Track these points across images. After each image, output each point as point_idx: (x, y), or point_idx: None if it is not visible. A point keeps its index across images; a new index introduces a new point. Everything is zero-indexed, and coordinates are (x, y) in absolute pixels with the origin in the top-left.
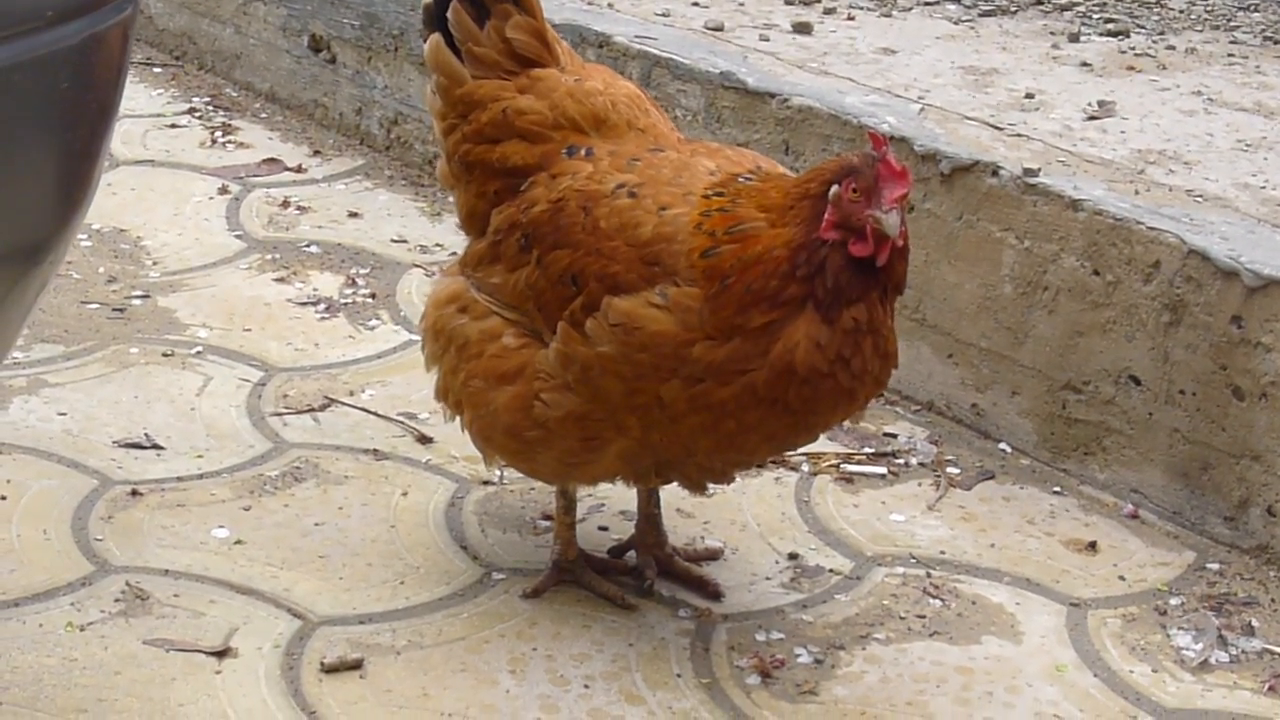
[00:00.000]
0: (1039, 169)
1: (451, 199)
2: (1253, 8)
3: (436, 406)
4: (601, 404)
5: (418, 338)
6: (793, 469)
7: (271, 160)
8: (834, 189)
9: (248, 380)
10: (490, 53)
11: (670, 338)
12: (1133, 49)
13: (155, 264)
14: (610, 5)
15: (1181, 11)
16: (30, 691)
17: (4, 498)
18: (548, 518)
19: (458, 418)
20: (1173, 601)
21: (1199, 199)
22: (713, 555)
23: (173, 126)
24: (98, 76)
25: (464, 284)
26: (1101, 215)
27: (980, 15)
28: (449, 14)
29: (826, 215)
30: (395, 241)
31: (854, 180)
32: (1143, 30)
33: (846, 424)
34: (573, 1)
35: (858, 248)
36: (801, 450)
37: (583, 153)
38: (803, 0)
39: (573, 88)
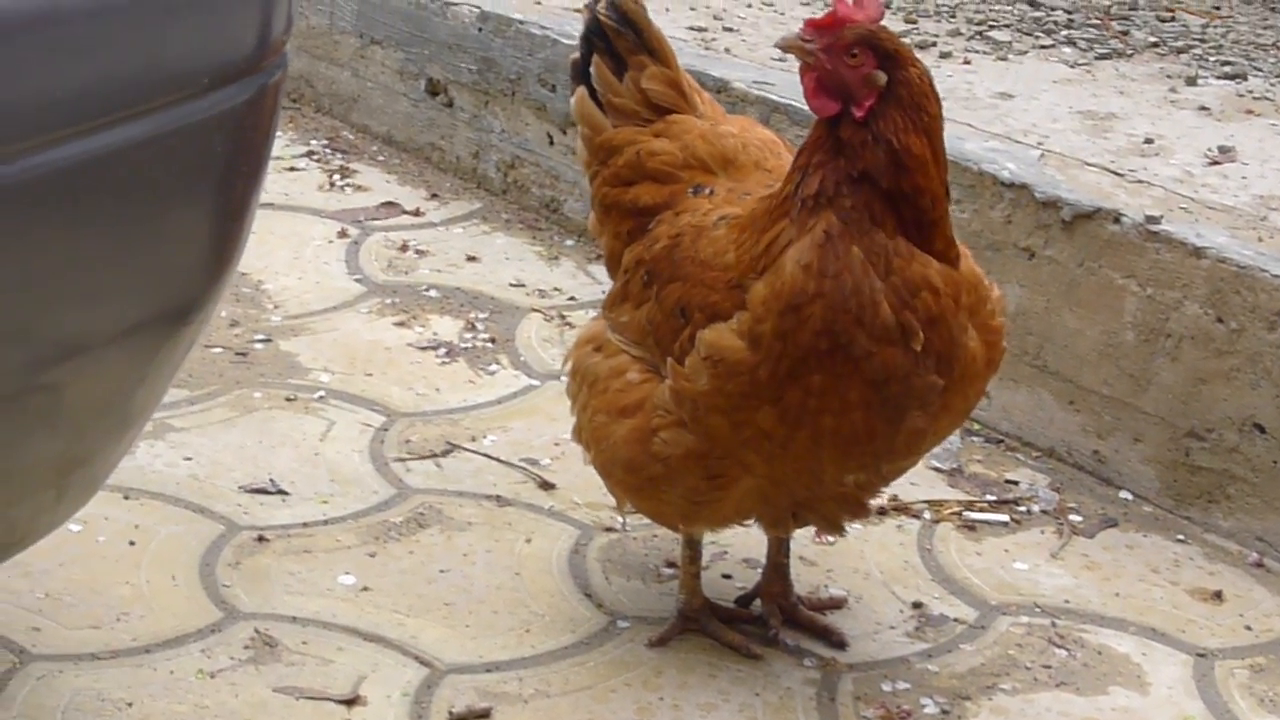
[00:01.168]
0: (1161, 216)
1: (570, 243)
2: None
3: (557, 452)
4: (717, 442)
5: (537, 383)
6: (914, 516)
7: (389, 204)
8: None
9: (370, 425)
10: (629, 102)
11: (747, 365)
12: (1250, 92)
13: (276, 308)
14: (727, 50)
15: None
16: None
17: (133, 543)
18: (672, 565)
19: (588, 456)
20: None
21: None
22: (837, 604)
23: (291, 169)
24: (251, 139)
25: (603, 325)
26: (1225, 263)
27: (1096, 58)
28: (591, 68)
29: None
30: (513, 285)
31: None
32: (1260, 73)
33: (949, 453)
34: (690, 47)
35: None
36: (923, 498)
37: (707, 191)
38: (918, 45)
39: (705, 130)
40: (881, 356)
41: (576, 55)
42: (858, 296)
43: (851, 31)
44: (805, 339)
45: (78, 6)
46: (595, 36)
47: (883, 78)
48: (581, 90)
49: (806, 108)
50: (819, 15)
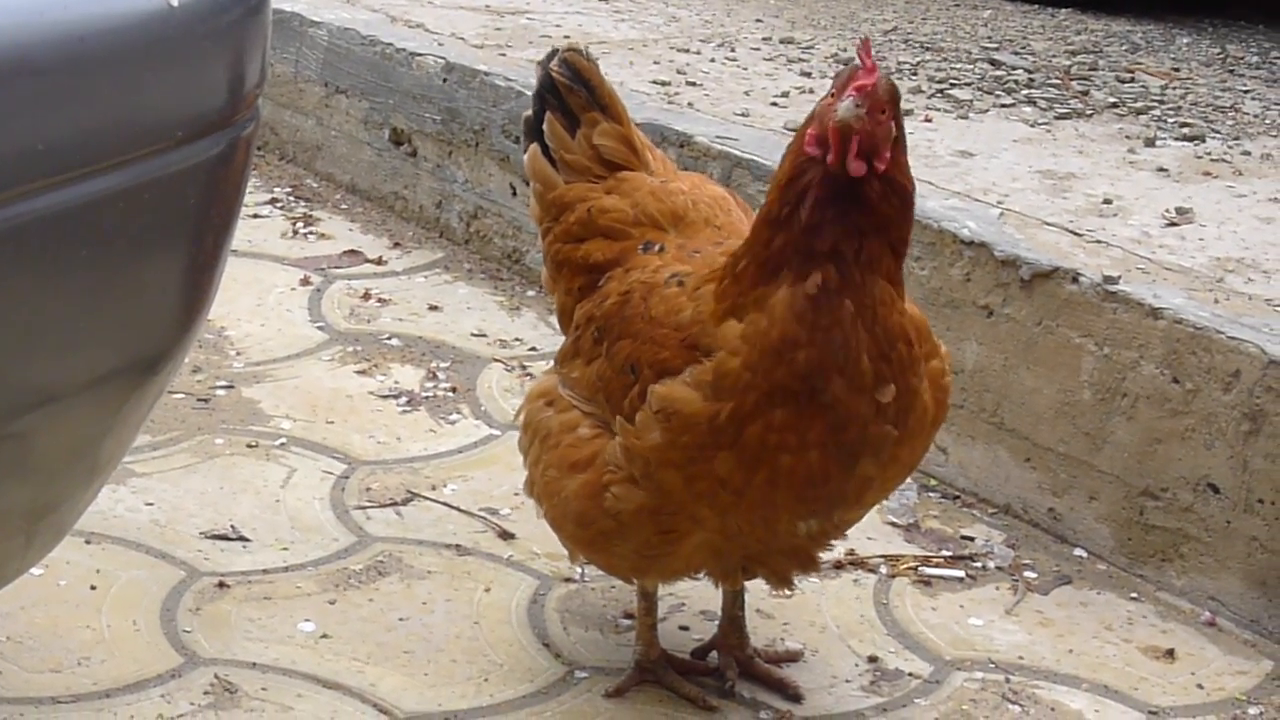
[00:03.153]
0: (1119, 276)
1: (532, 294)
2: None
3: (517, 502)
4: (669, 497)
5: (498, 432)
6: (871, 571)
7: (352, 252)
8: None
9: (331, 473)
10: (580, 159)
11: (703, 416)
12: (1208, 154)
13: (239, 354)
14: (690, 105)
15: (1256, 116)
16: None
17: (94, 587)
18: (629, 616)
19: (540, 510)
20: (1251, 711)
21: (1278, 308)
22: (793, 657)
23: (255, 216)
24: (223, 191)
25: (555, 379)
26: (1181, 324)
27: (1056, 118)
28: (544, 125)
29: (809, 131)
30: (475, 335)
31: (832, 88)
32: (1218, 135)
33: (905, 508)
34: (654, 101)
35: (828, 158)
36: (879, 553)
37: (656, 248)
38: None
39: (656, 187)
40: (848, 403)
41: (529, 113)
42: (845, 350)
43: (883, 89)
44: (780, 377)
45: (51, 59)
46: (548, 93)
47: (894, 128)
48: (535, 147)
49: (768, 162)
50: (857, 79)
